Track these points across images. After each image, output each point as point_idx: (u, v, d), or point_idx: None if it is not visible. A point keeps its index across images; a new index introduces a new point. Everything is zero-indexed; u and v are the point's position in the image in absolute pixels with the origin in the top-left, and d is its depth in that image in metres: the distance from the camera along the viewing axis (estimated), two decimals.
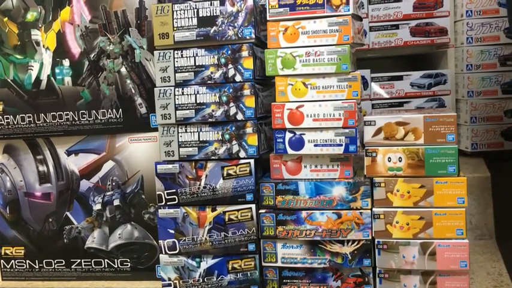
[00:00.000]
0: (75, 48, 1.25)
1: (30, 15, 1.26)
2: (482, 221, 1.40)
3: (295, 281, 1.13)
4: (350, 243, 1.09)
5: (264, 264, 1.13)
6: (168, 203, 1.15)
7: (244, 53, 1.11)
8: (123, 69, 1.24)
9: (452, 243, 1.03)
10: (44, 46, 1.26)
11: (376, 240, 1.08)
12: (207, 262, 1.14)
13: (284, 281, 1.13)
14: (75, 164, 1.29)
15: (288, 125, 1.11)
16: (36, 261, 1.32)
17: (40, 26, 1.26)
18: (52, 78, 1.27)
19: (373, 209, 1.07)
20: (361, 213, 1.08)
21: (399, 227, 1.06)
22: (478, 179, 1.42)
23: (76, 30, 1.25)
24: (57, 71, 1.26)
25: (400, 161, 1.06)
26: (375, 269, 1.09)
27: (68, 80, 1.26)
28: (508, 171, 1.45)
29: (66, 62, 1.26)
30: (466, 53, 1.56)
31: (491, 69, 1.56)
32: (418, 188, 1.05)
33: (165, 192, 1.15)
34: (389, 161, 1.06)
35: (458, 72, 1.62)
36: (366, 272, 1.10)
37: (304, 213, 1.10)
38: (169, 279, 1.15)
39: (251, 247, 1.12)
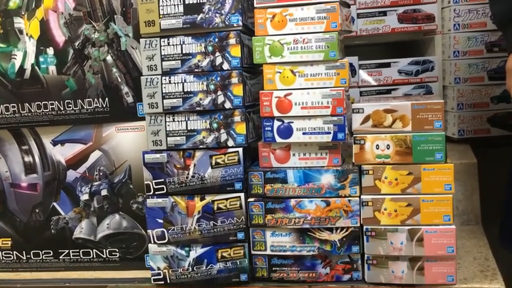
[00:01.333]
0: (60, 36, 1.23)
1: (13, 3, 1.23)
2: (469, 207, 1.41)
3: (284, 268, 1.13)
4: (339, 231, 1.10)
5: (253, 252, 1.14)
6: (156, 193, 1.14)
7: (232, 41, 1.10)
8: (109, 58, 1.22)
9: (440, 229, 1.04)
10: (27, 34, 1.24)
11: (364, 227, 1.08)
12: (196, 251, 1.14)
13: (273, 268, 1.14)
14: (61, 154, 1.28)
15: (276, 113, 1.11)
16: (24, 252, 1.30)
17: (23, 13, 1.23)
18: (36, 67, 1.24)
19: (362, 197, 1.08)
20: (349, 200, 1.08)
21: (387, 213, 1.07)
22: (465, 165, 1.43)
23: (60, 18, 1.22)
24: (41, 59, 1.24)
25: (388, 149, 1.06)
26: (363, 255, 1.10)
27: (52, 68, 1.24)
28: (494, 157, 1.47)
29: (50, 51, 1.24)
30: (453, 40, 1.56)
31: (478, 56, 1.56)
32: (406, 175, 1.05)
33: (153, 181, 1.14)
34: (377, 149, 1.07)
35: (446, 58, 1.63)
36: (355, 259, 1.11)
37: (293, 201, 1.10)
38: (159, 269, 1.15)
39: (240, 236, 1.13)
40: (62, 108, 1.24)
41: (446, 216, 1.05)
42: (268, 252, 1.13)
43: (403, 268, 1.07)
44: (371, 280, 1.09)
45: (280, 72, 1.10)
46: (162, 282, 1.15)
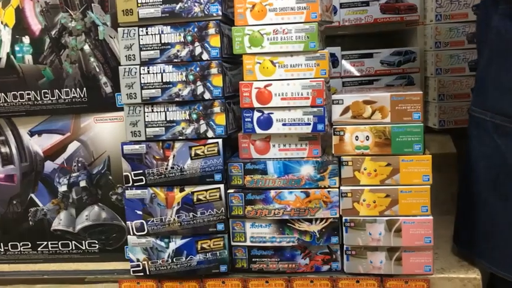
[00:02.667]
0: (36, 25, 1.20)
1: None
2: (448, 197, 1.43)
3: (264, 259, 1.13)
4: (318, 222, 1.10)
5: (233, 243, 1.14)
6: (135, 184, 1.13)
7: (211, 31, 1.09)
8: (86, 47, 1.20)
9: (417, 219, 1.05)
10: (2, 23, 1.21)
11: (343, 218, 1.09)
12: (176, 242, 1.14)
13: (253, 259, 1.14)
14: (38, 145, 1.26)
15: (256, 104, 1.10)
16: (1, 244, 1.29)
17: None
18: (12, 56, 1.22)
19: (341, 188, 1.08)
20: (329, 191, 1.08)
21: (366, 204, 1.07)
22: (445, 156, 1.45)
23: (36, 6, 1.20)
24: (16, 48, 1.22)
25: (368, 140, 1.06)
26: (343, 246, 1.10)
27: (28, 58, 1.22)
28: None
29: (26, 40, 1.21)
30: (435, 31, 1.57)
31: (459, 47, 1.57)
32: (385, 166, 1.06)
33: (132, 173, 1.13)
34: (356, 140, 1.07)
35: (427, 49, 1.63)
36: (334, 250, 1.12)
37: (272, 193, 1.10)
38: (138, 260, 1.15)
39: (220, 227, 1.12)
40: (39, 98, 1.22)
41: (424, 207, 1.05)
42: (248, 243, 1.13)
43: (381, 258, 1.08)
44: (350, 270, 1.10)
45: (260, 63, 1.09)
46: (142, 274, 1.15)
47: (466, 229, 1.09)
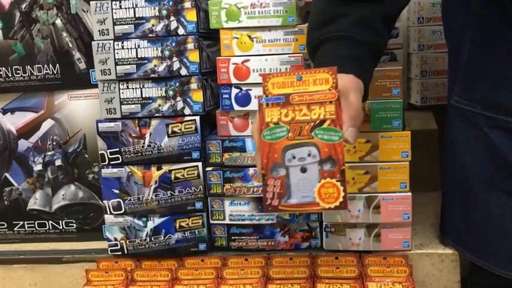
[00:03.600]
0: None
1: None
2: (429, 174, 1.43)
3: (243, 237, 1.13)
4: None
5: (211, 222, 1.13)
6: (111, 163, 1.11)
7: (187, 4, 1.05)
8: (58, 21, 1.16)
9: (396, 196, 1.05)
10: None
11: None
12: (154, 221, 1.12)
13: (232, 237, 1.13)
14: (11, 123, 1.22)
15: (234, 81, 1.08)
16: None
17: None
18: None
19: None
20: None
21: None
22: (426, 132, 1.44)
23: None
24: None
25: None
26: (322, 223, 1.10)
27: None
28: None
29: None
30: (418, 6, 1.54)
31: (442, 23, 1.55)
32: (364, 143, 1.05)
33: (108, 151, 1.11)
34: None
35: (410, 25, 1.61)
36: (313, 227, 1.11)
37: (251, 170, 1.09)
38: (116, 240, 1.13)
39: (198, 205, 1.11)
40: (10, 75, 1.18)
41: (402, 183, 1.05)
42: (227, 221, 1.12)
43: (360, 235, 1.08)
44: (329, 247, 1.10)
45: (237, 38, 1.07)
46: (120, 253, 1.14)
47: (454, 222, 1.05)
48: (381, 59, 0.93)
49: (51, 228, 1.25)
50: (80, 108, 1.20)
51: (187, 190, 1.10)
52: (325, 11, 0.89)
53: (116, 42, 1.07)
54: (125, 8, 1.07)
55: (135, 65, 1.08)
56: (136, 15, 1.07)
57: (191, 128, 1.09)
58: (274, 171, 0.76)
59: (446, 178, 1.08)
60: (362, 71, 0.84)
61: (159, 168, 1.10)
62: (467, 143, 0.98)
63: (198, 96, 1.08)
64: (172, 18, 1.06)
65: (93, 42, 1.08)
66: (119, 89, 1.09)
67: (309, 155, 0.75)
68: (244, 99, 1.09)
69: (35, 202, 1.24)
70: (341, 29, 0.85)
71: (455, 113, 1.01)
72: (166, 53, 1.07)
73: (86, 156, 1.21)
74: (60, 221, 1.25)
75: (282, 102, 0.76)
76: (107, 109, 1.10)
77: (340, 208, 0.74)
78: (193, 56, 1.07)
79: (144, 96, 1.09)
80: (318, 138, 0.75)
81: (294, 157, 0.76)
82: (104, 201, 1.12)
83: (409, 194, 1.05)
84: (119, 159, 1.11)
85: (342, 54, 0.84)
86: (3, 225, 1.26)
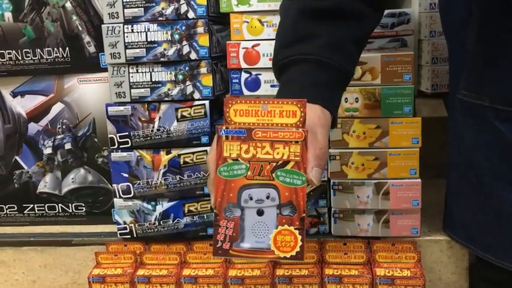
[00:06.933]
0: None
1: None
2: (438, 161, 1.42)
3: None
4: None
5: None
6: (120, 147, 1.11)
7: None
8: (68, 4, 1.16)
9: (405, 182, 1.05)
10: None
11: (331, 181, 1.08)
12: (163, 205, 1.13)
13: None
14: (21, 106, 1.23)
15: (243, 65, 1.08)
16: None
17: None
18: None
19: (329, 150, 1.06)
20: None
21: (354, 167, 1.06)
22: (436, 120, 1.43)
23: None
24: None
25: (357, 102, 1.04)
26: (330, 209, 1.10)
27: (8, 15, 1.17)
28: None
29: None
30: None
31: None
32: (374, 129, 1.04)
33: (117, 135, 1.11)
34: (346, 102, 1.05)
35: (422, 11, 1.59)
36: (321, 213, 1.11)
37: None
38: (125, 223, 1.14)
39: (207, 190, 1.11)
40: (20, 58, 1.19)
41: (412, 169, 1.05)
42: None
43: (368, 221, 1.08)
44: (337, 233, 1.10)
45: (247, 22, 1.06)
46: (129, 237, 1.14)
47: (462, 220, 1.02)
48: (349, 82, 0.86)
49: (60, 211, 1.26)
50: (89, 92, 1.20)
51: (196, 175, 1.11)
52: (296, 28, 0.83)
53: (125, 26, 1.07)
54: None
55: (144, 49, 1.07)
56: None
57: (200, 112, 1.09)
58: (228, 212, 0.69)
59: (452, 174, 1.05)
60: (330, 99, 0.80)
61: (168, 153, 1.11)
62: (475, 137, 0.95)
63: (207, 80, 1.08)
64: (182, 1, 1.05)
65: (102, 25, 1.08)
66: (129, 72, 1.09)
67: (268, 197, 0.69)
68: (254, 84, 1.09)
69: (45, 185, 1.25)
70: (311, 52, 0.80)
71: (462, 106, 0.97)
72: (176, 36, 1.06)
73: (96, 140, 1.22)
74: (70, 204, 1.25)
75: (244, 137, 0.69)
76: (116, 93, 1.10)
77: (295, 259, 0.67)
78: (203, 40, 1.06)
79: (153, 80, 1.09)
80: (279, 180, 0.68)
81: (251, 198, 0.69)
82: (113, 185, 1.13)
83: (419, 180, 1.05)
84: (128, 143, 1.11)
85: (310, 81, 0.79)
86: (14, 207, 1.27)
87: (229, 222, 0.69)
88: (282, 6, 0.88)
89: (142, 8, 1.07)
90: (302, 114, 0.69)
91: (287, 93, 0.79)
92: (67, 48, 1.17)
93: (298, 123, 0.70)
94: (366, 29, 0.89)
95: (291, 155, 0.69)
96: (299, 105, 0.69)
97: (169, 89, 1.09)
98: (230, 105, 0.71)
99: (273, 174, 0.69)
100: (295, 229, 0.68)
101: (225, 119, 0.72)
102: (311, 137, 0.71)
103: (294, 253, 0.68)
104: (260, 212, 0.69)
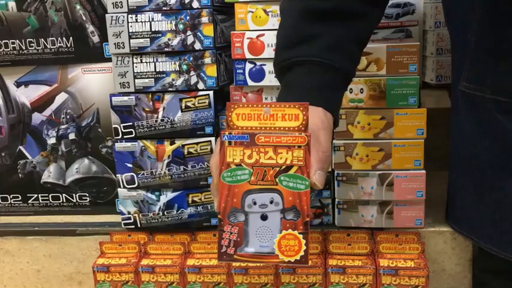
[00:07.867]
0: None
1: None
2: (442, 152, 1.42)
3: None
4: None
5: None
6: (124, 137, 1.11)
7: None
8: None
9: (410, 173, 1.04)
10: None
11: (335, 172, 1.08)
12: (167, 196, 1.13)
13: None
14: (25, 96, 1.23)
15: (248, 55, 1.07)
16: None
17: None
18: None
19: (334, 141, 1.06)
20: None
21: (359, 158, 1.06)
22: (441, 111, 1.42)
23: None
24: None
25: (362, 93, 1.04)
26: (334, 200, 1.10)
27: (12, 5, 1.17)
28: None
29: None
30: None
31: None
32: (379, 120, 1.04)
33: (121, 125, 1.11)
34: (351, 93, 1.04)
35: (427, 1, 1.58)
36: (325, 203, 1.11)
37: None
38: (129, 213, 1.14)
39: (211, 180, 1.11)
40: (24, 48, 1.18)
41: (417, 161, 1.04)
42: None
43: (372, 212, 1.08)
44: (341, 224, 1.10)
45: (252, 12, 1.05)
46: (133, 227, 1.15)
47: (466, 212, 1.02)
48: (351, 82, 0.87)
49: (64, 201, 1.26)
50: (93, 82, 1.20)
51: (200, 165, 1.11)
52: (296, 29, 0.83)
53: (129, 15, 1.07)
54: None
55: (148, 39, 1.07)
56: None
57: (204, 103, 1.09)
58: (232, 217, 0.70)
59: (454, 167, 1.04)
60: (332, 101, 0.80)
61: (172, 143, 1.11)
62: (477, 129, 0.94)
63: (211, 71, 1.08)
64: None
65: (106, 15, 1.07)
66: (133, 62, 1.09)
67: (272, 202, 0.69)
68: (259, 75, 1.08)
69: (49, 175, 1.25)
70: (314, 53, 0.80)
71: (464, 98, 0.96)
72: (180, 26, 1.06)
73: (99, 130, 1.22)
74: (74, 194, 1.26)
75: (246, 142, 0.69)
76: (120, 83, 1.10)
77: (300, 263, 0.68)
78: (208, 30, 1.06)
79: (157, 70, 1.09)
80: (282, 185, 0.69)
81: (254, 203, 0.70)
82: (117, 175, 1.13)
83: (423, 171, 1.04)
84: (132, 134, 1.11)
85: (312, 84, 0.79)
86: (18, 197, 1.27)
87: (233, 228, 0.70)
88: (282, 6, 0.88)
89: None
90: (304, 117, 0.70)
91: (289, 96, 0.79)
92: (71, 38, 1.17)
93: (300, 126, 0.70)
94: (367, 28, 0.88)
95: (294, 160, 0.69)
96: (301, 109, 0.70)
97: (173, 79, 1.09)
98: (232, 110, 0.71)
99: (277, 179, 0.69)
100: (299, 233, 0.68)
101: (228, 124, 0.72)
102: (314, 140, 0.71)
103: (298, 257, 0.68)
104: (264, 217, 0.70)
